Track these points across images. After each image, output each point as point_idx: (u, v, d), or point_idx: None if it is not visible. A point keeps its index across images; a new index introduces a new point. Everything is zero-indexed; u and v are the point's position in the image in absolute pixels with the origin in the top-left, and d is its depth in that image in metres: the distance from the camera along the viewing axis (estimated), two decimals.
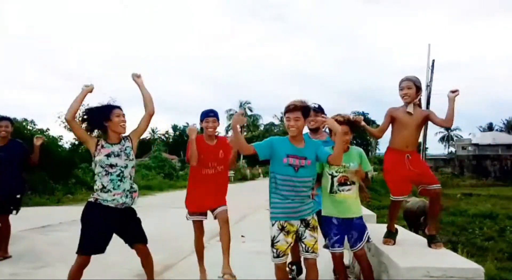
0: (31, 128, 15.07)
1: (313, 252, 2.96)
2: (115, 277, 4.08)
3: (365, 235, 3.18)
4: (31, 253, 4.93)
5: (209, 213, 3.87)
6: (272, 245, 2.92)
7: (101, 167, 3.08)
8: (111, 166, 3.08)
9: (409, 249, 3.31)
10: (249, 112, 53.51)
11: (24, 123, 15.02)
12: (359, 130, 3.69)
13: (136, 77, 3.34)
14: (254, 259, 4.69)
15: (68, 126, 2.90)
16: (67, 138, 20.15)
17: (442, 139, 75.31)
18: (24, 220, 7.53)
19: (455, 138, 70.86)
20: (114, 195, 3.07)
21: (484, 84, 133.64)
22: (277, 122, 56.57)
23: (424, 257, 3.02)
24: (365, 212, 6.43)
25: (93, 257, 3.06)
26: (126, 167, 3.14)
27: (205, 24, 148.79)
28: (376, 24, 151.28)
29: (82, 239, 3.04)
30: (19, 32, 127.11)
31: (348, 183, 3.15)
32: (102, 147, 3.12)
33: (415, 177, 3.45)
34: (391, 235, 3.51)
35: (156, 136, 63.08)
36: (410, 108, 3.40)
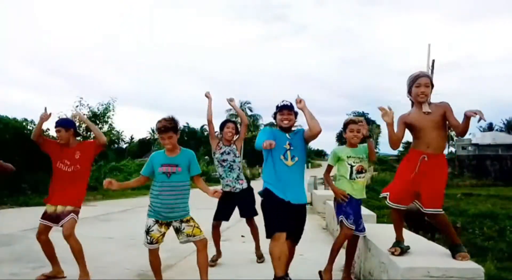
0: (31, 128, 15.07)
1: (194, 235, 3.35)
2: (115, 277, 4.07)
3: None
4: (31, 253, 4.92)
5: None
6: (147, 233, 3.28)
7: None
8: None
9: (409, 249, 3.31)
10: (249, 112, 53.42)
11: (24, 123, 15.03)
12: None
13: (230, 101, 4.62)
14: (254, 259, 4.69)
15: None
16: None
17: None
18: (24, 220, 7.55)
19: (455, 138, 70.84)
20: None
21: (484, 84, 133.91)
22: None
23: (424, 257, 3.02)
24: (365, 212, 6.42)
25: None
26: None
27: (206, 24, 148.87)
28: (376, 24, 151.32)
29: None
30: (19, 32, 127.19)
31: (363, 171, 3.77)
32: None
33: (417, 186, 3.10)
34: (397, 244, 3.20)
35: (156, 136, 62.97)
36: (426, 108, 3.12)
